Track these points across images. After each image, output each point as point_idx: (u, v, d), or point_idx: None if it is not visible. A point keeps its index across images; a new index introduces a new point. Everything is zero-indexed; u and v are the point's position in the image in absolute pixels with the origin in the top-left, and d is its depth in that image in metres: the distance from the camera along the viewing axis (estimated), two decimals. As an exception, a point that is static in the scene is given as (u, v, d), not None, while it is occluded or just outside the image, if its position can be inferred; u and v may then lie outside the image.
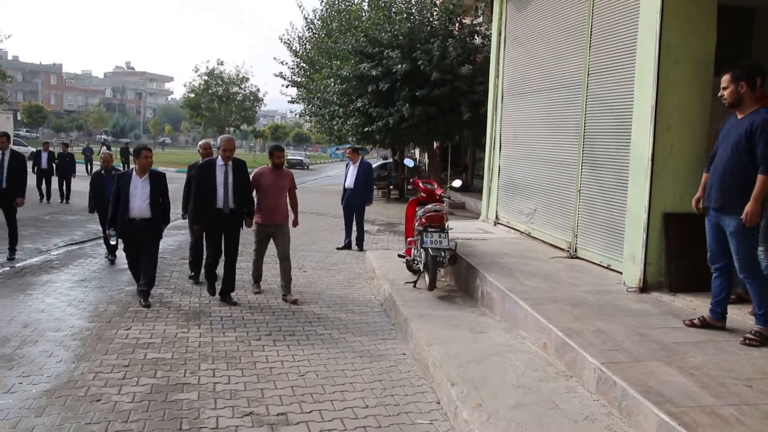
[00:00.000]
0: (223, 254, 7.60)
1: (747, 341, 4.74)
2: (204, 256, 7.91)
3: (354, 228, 11.73)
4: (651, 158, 6.11)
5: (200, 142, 9.05)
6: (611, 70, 7.15)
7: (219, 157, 7.44)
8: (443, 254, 7.23)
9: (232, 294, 7.63)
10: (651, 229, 6.20)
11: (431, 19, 18.40)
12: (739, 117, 4.81)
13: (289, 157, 54.99)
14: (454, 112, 17.72)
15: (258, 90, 46.13)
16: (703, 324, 5.10)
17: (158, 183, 7.33)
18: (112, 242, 7.96)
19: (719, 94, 4.97)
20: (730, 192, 4.76)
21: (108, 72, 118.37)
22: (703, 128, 6.25)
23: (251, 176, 7.77)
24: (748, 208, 4.59)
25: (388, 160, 31.61)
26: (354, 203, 11.63)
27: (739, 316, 5.42)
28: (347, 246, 11.67)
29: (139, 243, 7.30)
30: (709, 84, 6.20)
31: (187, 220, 8.87)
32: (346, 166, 12.12)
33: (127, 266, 7.81)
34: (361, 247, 11.52)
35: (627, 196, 6.59)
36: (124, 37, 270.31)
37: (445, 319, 6.38)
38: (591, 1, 7.60)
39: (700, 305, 5.75)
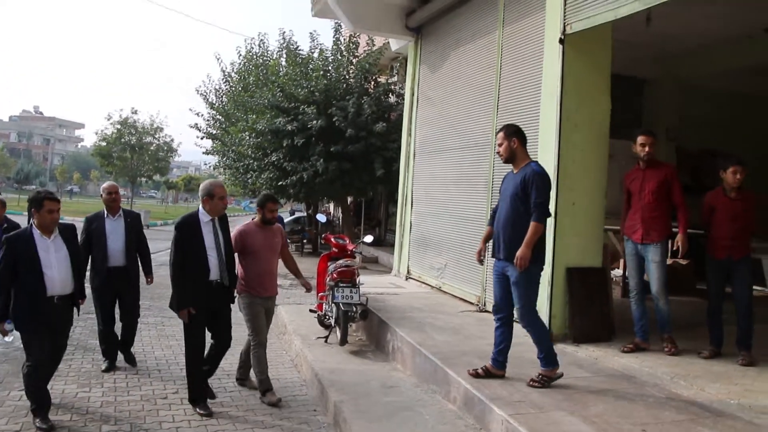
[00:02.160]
0: (211, 344, 5.91)
1: (531, 383, 5.06)
2: (190, 352, 5.74)
3: None
4: (554, 215, 6.41)
5: (104, 185, 6.99)
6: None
7: (201, 211, 5.63)
8: (354, 309, 7.28)
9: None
10: (555, 283, 6.48)
11: (347, 77, 18.78)
12: (515, 171, 5.22)
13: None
14: (368, 168, 17.97)
15: (172, 140, 45.43)
16: (486, 374, 5.33)
17: (72, 241, 5.45)
18: (8, 339, 5.52)
19: (496, 151, 5.37)
20: (513, 242, 5.03)
21: (14, 115, 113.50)
22: (601, 186, 6.66)
23: (232, 236, 6.00)
24: (519, 252, 4.90)
25: (302, 214, 31.62)
26: None
27: (636, 364, 5.70)
28: None
29: (53, 330, 5.27)
30: (605, 146, 6.65)
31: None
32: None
33: None
34: None
35: (532, 251, 6.88)
36: (33, 81, 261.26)
37: (356, 374, 6.38)
38: (498, 66, 8.03)
39: (601, 355, 6.02)
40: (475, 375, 5.28)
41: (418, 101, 10.71)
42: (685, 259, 9.89)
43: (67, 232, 5.40)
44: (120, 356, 6.99)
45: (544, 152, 6.67)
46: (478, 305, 8.23)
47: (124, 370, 6.83)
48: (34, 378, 5.11)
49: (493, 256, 5.35)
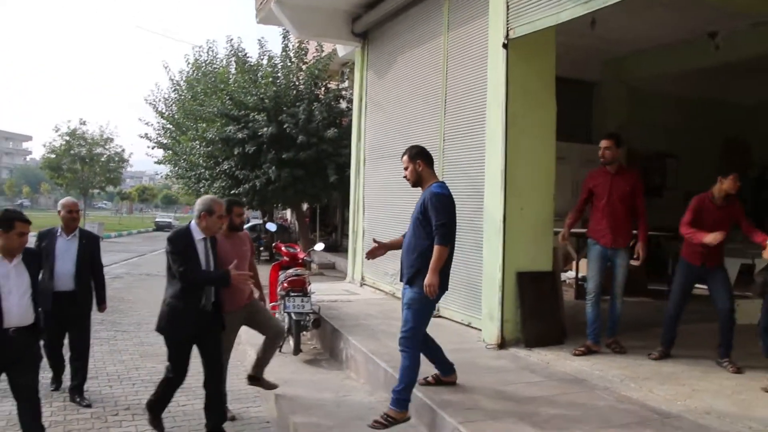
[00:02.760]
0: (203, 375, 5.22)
1: (374, 424, 4.67)
2: (167, 380, 5.15)
3: None
4: (503, 220, 6.42)
5: (63, 201, 6.27)
6: (465, 135, 7.53)
7: (194, 227, 5.00)
8: (306, 318, 7.19)
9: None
10: (506, 288, 6.48)
11: (297, 83, 18.63)
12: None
13: (157, 219, 52.99)
14: (320, 175, 17.86)
15: (123, 150, 44.42)
16: (437, 381, 5.29)
17: (34, 266, 4.69)
18: None
19: (403, 176, 5.14)
20: (414, 266, 4.81)
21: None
22: (550, 191, 6.69)
23: None
24: (427, 280, 4.64)
25: (258, 222, 31.31)
26: None
27: (587, 367, 5.72)
28: None
29: (11, 370, 4.51)
30: (552, 150, 6.69)
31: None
32: None
33: None
34: None
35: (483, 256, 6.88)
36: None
37: (309, 384, 6.30)
38: (444, 71, 8.03)
39: (553, 358, 6.03)
40: (425, 383, 5.22)
41: (366, 107, 10.66)
42: (636, 261, 10.07)
43: (30, 257, 4.59)
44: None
45: (492, 158, 6.68)
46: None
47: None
48: None
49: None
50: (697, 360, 6.03)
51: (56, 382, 6.42)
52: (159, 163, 27.53)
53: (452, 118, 7.84)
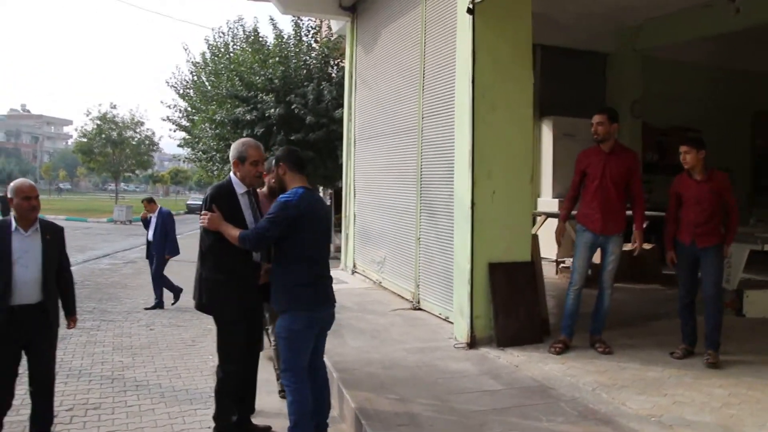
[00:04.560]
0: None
1: None
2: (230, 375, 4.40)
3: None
4: (471, 206, 5.77)
5: (16, 185, 4.63)
6: (440, 113, 6.88)
7: (234, 179, 4.35)
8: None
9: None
10: (476, 280, 5.84)
11: (307, 62, 18.04)
12: None
13: (189, 202, 53.12)
14: (332, 156, 17.33)
15: (153, 134, 44.65)
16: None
17: (56, 242, 4.52)
18: None
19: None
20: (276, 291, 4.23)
21: (1, 115, 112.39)
22: (526, 171, 6.00)
23: None
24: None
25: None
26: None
27: (560, 371, 5.07)
28: (158, 305, 10.15)
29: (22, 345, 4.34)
30: (529, 126, 6.00)
31: None
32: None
33: None
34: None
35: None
36: (21, 79, 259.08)
37: (261, 384, 5.76)
38: (422, 43, 7.35)
39: (524, 360, 5.39)
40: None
41: (356, 84, 10.03)
42: (649, 244, 9.33)
43: (53, 231, 4.52)
44: None
45: (460, 136, 6.01)
46: (412, 302, 7.60)
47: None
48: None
49: None
50: (696, 361, 5.35)
51: None
52: (180, 146, 27.35)
53: (429, 93, 7.18)
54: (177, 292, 10.21)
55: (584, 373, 5.02)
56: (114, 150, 42.02)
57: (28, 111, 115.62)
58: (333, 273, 10.17)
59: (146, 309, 9.94)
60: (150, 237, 10.32)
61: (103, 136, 41.60)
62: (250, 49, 19.53)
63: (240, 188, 4.32)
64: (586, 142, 10.03)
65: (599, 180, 5.54)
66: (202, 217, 4.16)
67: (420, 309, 7.40)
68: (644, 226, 5.77)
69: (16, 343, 4.30)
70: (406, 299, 7.82)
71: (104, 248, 20.54)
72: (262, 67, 17.72)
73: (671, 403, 4.42)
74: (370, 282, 9.29)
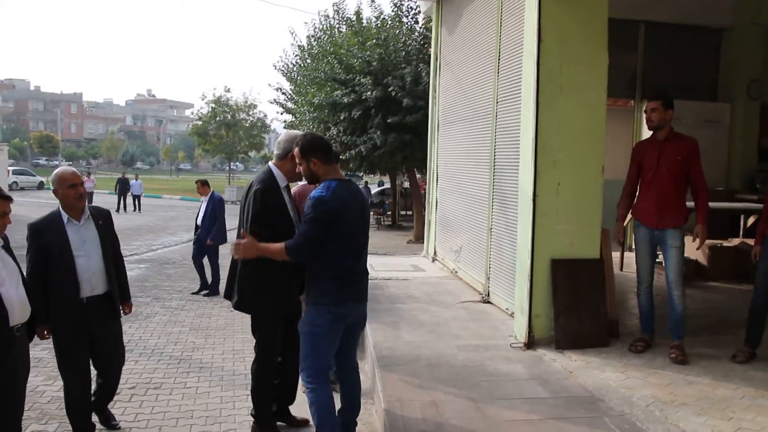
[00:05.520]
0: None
1: None
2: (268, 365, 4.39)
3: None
4: (532, 197, 5.39)
5: (59, 174, 4.34)
6: (512, 97, 6.47)
7: (276, 171, 4.21)
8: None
9: None
10: (536, 277, 5.47)
11: (407, 43, 17.80)
12: None
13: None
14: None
15: (265, 116, 45.98)
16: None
17: (108, 227, 4.48)
18: None
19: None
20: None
21: (129, 100, 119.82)
22: (597, 162, 5.52)
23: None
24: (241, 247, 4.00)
25: (386, 186, 31.10)
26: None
27: (616, 381, 4.65)
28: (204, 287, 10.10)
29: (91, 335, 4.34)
30: (601, 113, 5.50)
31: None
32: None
33: None
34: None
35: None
36: (146, 66, 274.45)
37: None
38: (499, 23, 6.96)
39: (581, 366, 5.00)
40: None
41: (440, 66, 9.72)
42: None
43: (103, 216, 4.48)
44: None
45: (525, 123, 5.62)
46: (482, 295, 7.29)
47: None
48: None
49: None
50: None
51: None
52: (285, 128, 27.95)
53: (503, 77, 6.79)
54: (205, 283, 10.03)
55: (643, 385, 4.56)
56: (227, 132, 43.55)
57: (153, 96, 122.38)
58: (414, 260, 10.11)
59: (193, 293, 9.97)
60: (199, 221, 10.10)
61: (218, 119, 43.21)
62: (349, 32, 19.54)
63: (282, 182, 4.22)
64: (693, 126, 9.37)
65: (654, 171, 5.17)
66: (233, 246, 3.94)
67: (489, 302, 7.09)
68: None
69: (87, 335, 4.30)
70: (477, 291, 7.52)
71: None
72: (360, 50, 17.68)
73: (734, 429, 3.90)
74: (447, 271, 9.04)
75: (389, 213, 26.10)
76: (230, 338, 7.54)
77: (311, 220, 3.62)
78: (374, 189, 32.84)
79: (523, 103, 5.67)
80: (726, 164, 9.90)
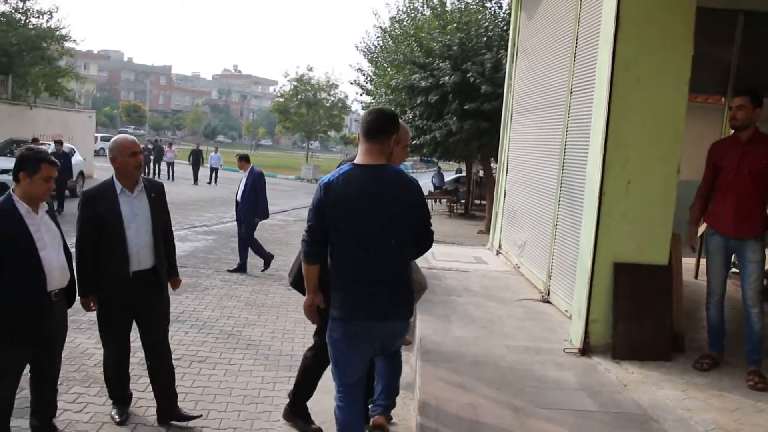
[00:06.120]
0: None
1: None
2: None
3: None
4: (599, 195, 5.04)
5: (119, 141, 4.17)
6: (587, 87, 6.08)
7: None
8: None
9: None
10: (597, 280, 5.12)
11: (489, 28, 17.33)
12: None
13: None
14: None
15: (346, 97, 46.18)
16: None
17: (161, 201, 4.34)
18: None
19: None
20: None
21: (216, 74, 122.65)
22: (673, 160, 5.10)
23: None
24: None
25: (462, 174, 30.68)
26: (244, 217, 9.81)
27: (674, 400, 4.29)
28: (240, 268, 9.79)
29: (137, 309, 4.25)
30: (682, 108, 5.07)
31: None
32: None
33: None
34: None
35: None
36: (234, 42, 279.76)
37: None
38: (578, 8, 6.56)
39: (638, 379, 4.65)
40: None
41: (517, 53, 9.34)
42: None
43: (156, 189, 4.31)
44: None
45: (596, 116, 5.25)
46: (542, 293, 6.97)
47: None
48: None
49: None
50: None
51: (120, 406, 4.44)
52: (364, 109, 27.91)
53: (579, 65, 6.39)
54: (268, 258, 9.73)
55: (704, 408, 4.18)
56: (308, 111, 43.95)
57: (239, 71, 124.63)
58: (478, 252, 9.82)
59: (228, 271, 9.62)
60: (238, 197, 9.69)
61: (300, 97, 43.65)
62: (431, 15, 19.21)
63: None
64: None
65: (734, 174, 4.69)
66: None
67: (548, 302, 6.76)
68: None
69: (132, 309, 4.20)
70: (538, 289, 7.20)
71: (283, 204, 21.49)
72: (441, 34, 17.34)
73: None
74: (510, 265, 8.72)
75: (463, 201, 25.72)
76: (283, 317, 7.49)
77: (311, 206, 3.25)
78: (449, 176, 32.48)
79: (596, 94, 5.30)
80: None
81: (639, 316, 5.05)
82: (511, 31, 9.65)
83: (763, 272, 4.74)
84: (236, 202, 9.82)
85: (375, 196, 3.08)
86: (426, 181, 30.55)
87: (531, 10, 8.67)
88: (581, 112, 6.20)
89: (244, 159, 9.91)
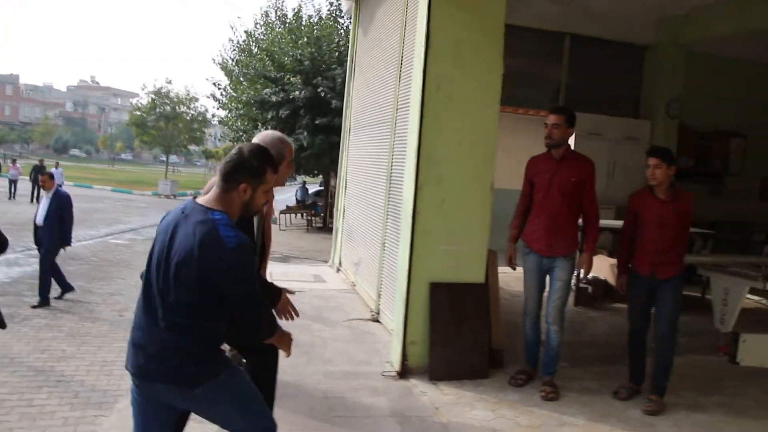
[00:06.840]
0: None
1: None
2: None
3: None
4: (412, 214, 4.96)
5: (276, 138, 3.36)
6: (409, 105, 6.04)
7: None
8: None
9: None
10: (413, 301, 5.04)
11: (340, 43, 17.37)
12: None
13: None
14: (358, 144, 16.70)
15: (206, 110, 44.96)
16: None
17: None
18: None
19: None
20: None
21: (71, 85, 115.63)
22: (486, 179, 5.12)
23: None
24: None
25: (321, 188, 30.58)
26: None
27: (484, 420, 4.24)
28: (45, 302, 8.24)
29: None
30: (493, 127, 5.11)
31: None
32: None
33: None
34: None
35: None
36: (89, 52, 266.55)
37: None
38: (403, 26, 6.54)
39: (451, 401, 4.58)
40: None
41: (354, 69, 9.28)
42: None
43: None
44: None
45: (411, 134, 5.20)
46: (372, 312, 6.85)
47: None
48: None
49: None
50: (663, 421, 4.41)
51: None
52: (220, 122, 27.22)
53: (405, 82, 6.36)
54: (67, 289, 8.65)
55: (511, 427, 4.16)
56: (167, 125, 42.43)
57: (97, 83, 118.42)
58: (320, 269, 9.60)
59: (32, 307, 8.07)
60: (38, 221, 8.36)
61: (157, 110, 42.06)
62: (284, 29, 19.03)
63: None
64: (613, 142, 9.14)
65: (545, 191, 4.73)
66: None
67: (378, 321, 6.65)
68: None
69: None
70: (370, 308, 7.08)
71: (134, 222, 20.28)
72: (293, 48, 17.18)
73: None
74: (348, 283, 8.58)
75: (322, 215, 25.56)
76: (107, 347, 6.85)
77: None
78: (314, 189, 32.32)
79: (411, 112, 5.25)
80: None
81: (456, 335, 5.01)
82: (350, 47, 9.60)
83: (568, 291, 4.83)
84: (35, 225, 8.49)
85: (170, 234, 2.63)
86: (290, 195, 30.11)
87: (366, 27, 8.64)
88: (404, 130, 6.14)
89: (52, 177, 8.63)
